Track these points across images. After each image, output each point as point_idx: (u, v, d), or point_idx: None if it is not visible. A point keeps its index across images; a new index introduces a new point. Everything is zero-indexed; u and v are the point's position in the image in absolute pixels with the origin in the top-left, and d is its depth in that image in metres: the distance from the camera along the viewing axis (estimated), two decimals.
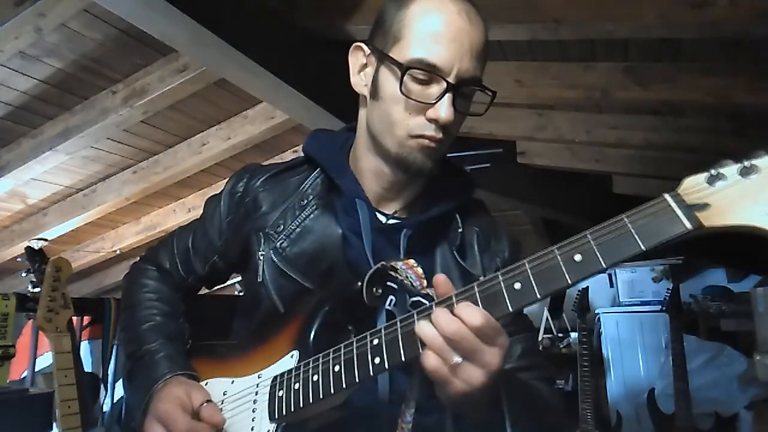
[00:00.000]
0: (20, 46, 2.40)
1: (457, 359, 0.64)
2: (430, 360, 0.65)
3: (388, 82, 0.84)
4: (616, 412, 3.64)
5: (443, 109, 0.80)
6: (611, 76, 2.41)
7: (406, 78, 0.81)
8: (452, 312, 0.65)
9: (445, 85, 0.80)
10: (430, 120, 0.82)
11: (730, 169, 0.58)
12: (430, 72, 0.80)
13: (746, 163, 0.57)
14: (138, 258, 1.10)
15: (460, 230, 0.93)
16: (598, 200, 3.82)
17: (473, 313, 0.63)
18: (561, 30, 1.94)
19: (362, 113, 0.93)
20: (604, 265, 0.60)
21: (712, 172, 0.58)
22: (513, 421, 0.71)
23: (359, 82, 0.91)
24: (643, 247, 0.59)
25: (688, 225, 0.57)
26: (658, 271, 4.04)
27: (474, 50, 0.81)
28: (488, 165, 3.38)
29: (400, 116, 0.83)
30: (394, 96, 0.82)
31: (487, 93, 0.86)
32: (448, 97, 0.80)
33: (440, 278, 0.70)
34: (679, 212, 0.58)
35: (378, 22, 0.88)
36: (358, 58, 0.91)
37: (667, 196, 0.59)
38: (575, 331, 3.68)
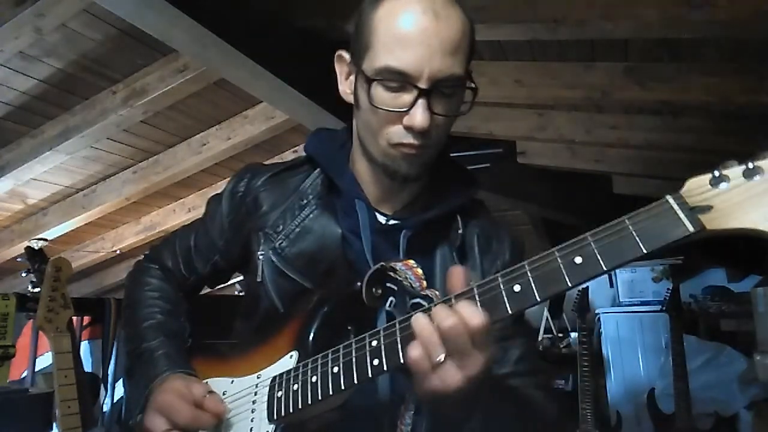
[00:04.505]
0: (20, 46, 2.40)
1: (440, 357, 0.63)
2: (414, 351, 0.64)
3: (363, 92, 0.81)
4: (616, 412, 3.63)
5: (417, 116, 0.77)
6: (611, 76, 2.41)
7: (377, 87, 0.79)
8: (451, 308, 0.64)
9: (416, 91, 0.77)
10: (407, 128, 0.79)
11: (734, 171, 0.56)
12: (399, 79, 0.77)
13: (750, 165, 0.55)
14: (141, 256, 1.10)
15: (461, 231, 0.91)
16: (598, 200, 3.82)
17: (474, 313, 0.62)
18: (561, 30, 1.94)
19: (354, 119, 0.92)
20: (604, 267, 0.59)
21: (716, 173, 0.57)
22: (486, 428, 0.70)
23: (346, 89, 0.90)
24: (644, 250, 0.58)
25: (691, 228, 0.56)
26: (658, 271, 4.03)
27: (446, 48, 0.77)
28: (488, 165, 3.38)
29: (378, 126, 0.82)
30: (370, 106, 0.80)
31: (470, 89, 0.82)
32: (421, 102, 0.77)
33: (456, 270, 0.70)
34: (681, 215, 0.57)
35: (354, 29, 0.85)
36: (342, 66, 0.90)
37: (669, 198, 0.58)
38: (575, 331, 3.68)
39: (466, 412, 0.69)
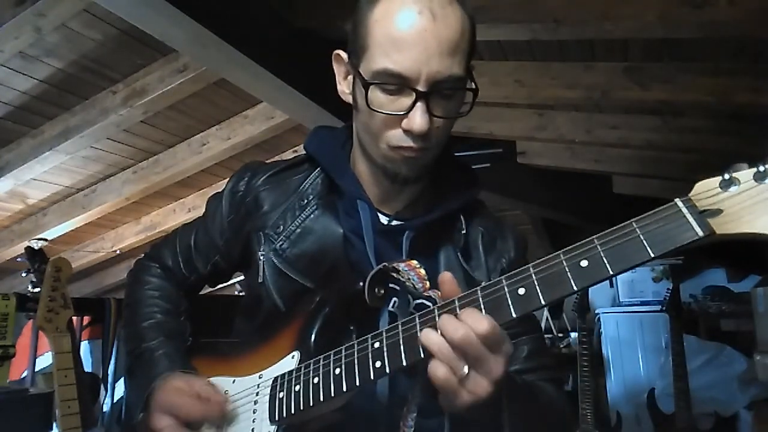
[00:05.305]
0: (20, 46, 2.40)
1: (465, 370, 0.62)
2: (439, 370, 0.63)
3: (360, 95, 0.80)
4: (616, 412, 3.64)
5: (416, 120, 0.75)
6: (611, 76, 2.41)
7: (374, 90, 0.77)
8: (456, 317, 0.63)
9: (414, 94, 0.75)
10: (406, 131, 0.77)
11: (744, 174, 0.55)
12: (397, 82, 0.76)
13: (761, 168, 0.54)
14: (142, 255, 1.09)
15: (464, 231, 0.90)
16: (598, 200, 3.83)
17: (480, 320, 0.62)
18: (561, 30, 1.94)
19: (353, 119, 0.91)
20: (611, 272, 0.58)
21: (725, 176, 0.55)
22: (511, 424, 0.69)
23: (344, 90, 0.88)
24: (652, 254, 0.56)
25: (700, 232, 0.55)
26: (658, 271, 4.04)
27: (444, 49, 0.75)
28: (488, 165, 3.39)
29: (377, 129, 0.80)
30: (368, 109, 0.78)
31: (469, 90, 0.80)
32: (420, 105, 0.75)
33: (446, 276, 0.69)
34: (690, 218, 0.55)
35: (351, 29, 0.83)
36: (340, 67, 0.89)
37: (678, 201, 0.57)
38: (575, 331, 3.69)
39: (492, 411, 0.69)
